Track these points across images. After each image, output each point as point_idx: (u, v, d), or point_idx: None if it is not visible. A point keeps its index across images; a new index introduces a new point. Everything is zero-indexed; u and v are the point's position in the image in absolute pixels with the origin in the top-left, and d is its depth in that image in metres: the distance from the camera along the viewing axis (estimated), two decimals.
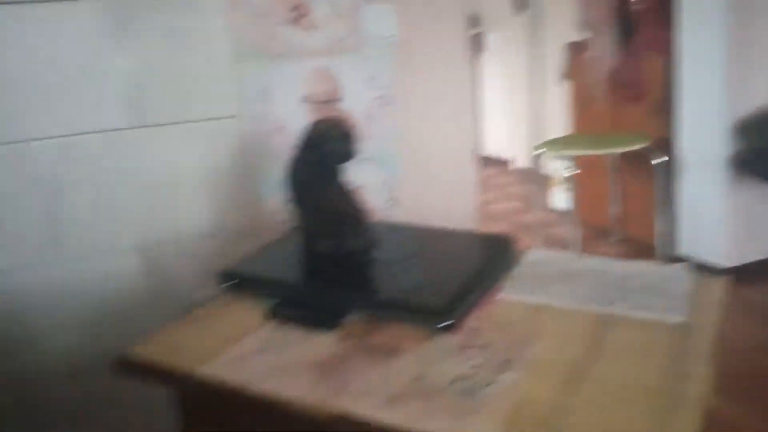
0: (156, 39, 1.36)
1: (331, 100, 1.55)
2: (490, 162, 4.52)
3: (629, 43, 2.74)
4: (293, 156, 1.12)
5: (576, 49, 3.18)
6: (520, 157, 4.31)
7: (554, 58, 3.66)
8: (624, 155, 2.77)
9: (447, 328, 0.85)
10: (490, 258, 1.02)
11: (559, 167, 3.32)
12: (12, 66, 1.28)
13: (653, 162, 2.41)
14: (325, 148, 1.08)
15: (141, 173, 1.40)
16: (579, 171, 2.55)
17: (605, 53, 2.82)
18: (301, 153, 1.11)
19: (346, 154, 1.08)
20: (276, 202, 1.55)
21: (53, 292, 1.38)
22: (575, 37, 3.22)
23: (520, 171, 4.29)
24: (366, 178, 1.50)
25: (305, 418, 0.75)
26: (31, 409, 1.41)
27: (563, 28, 3.50)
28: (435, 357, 0.82)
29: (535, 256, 1.09)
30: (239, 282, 1.04)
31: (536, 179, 2.97)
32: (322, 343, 0.89)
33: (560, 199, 3.41)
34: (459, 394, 0.73)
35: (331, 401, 0.75)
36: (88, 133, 1.35)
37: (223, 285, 1.05)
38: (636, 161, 2.77)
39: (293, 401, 0.75)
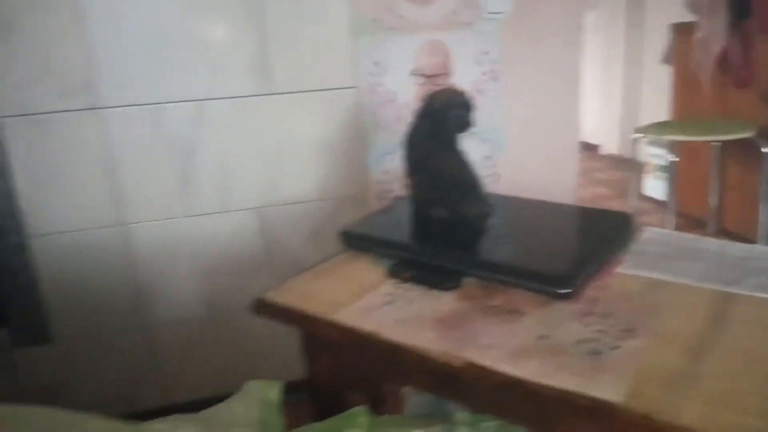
0: (282, 11, 1.44)
1: (440, 73, 1.59)
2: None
3: (742, 26, 2.60)
4: (412, 124, 1.17)
5: (681, 30, 3.04)
6: (610, 142, 4.19)
7: (655, 39, 3.52)
8: (725, 143, 2.65)
9: (567, 296, 0.88)
10: (608, 232, 1.04)
11: (655, 153, 3.21)
12: (152, 36, 1.39)
13: (763, 150, 2.30)
14: (446, 116, 1.12)
15: (263, 138, 1.50)
16: (678, 158, 2.47)
17: (714, 35, 2.69)
18: (421, 121, 1.15)
19: (466, 123, 1.12)
20: (381, 171, 1.61)
21: (177, 244, 1.51)
22: (680, 18, 3.08)
23: (610, 156, 4.18)
24: (470, 152, 1.53)
25: (430, 366, 0.81)
26: (153, 348, 1.56)
27: (667, 8, 3.35)
28: (556, 321, 0.85)
29: (651, 234, 1.10)
30: (358, 242, 1.11)
31: (627, 165, 2.90)
32: (442, 302, 0.94)
33: (653, 186, 3.30)
34: (585, 355, 0.77)
35: (458, 352, 0.80)
36: (218, 98, 1.45)
37: (343, 244, 1.13)
38: (738, 150, 2.64)
39: (425, 349, 0.81)
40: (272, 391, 0.88)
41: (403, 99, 1.57)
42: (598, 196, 3.60)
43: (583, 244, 1.00)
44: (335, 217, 1.60)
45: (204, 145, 1.47)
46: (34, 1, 1.31)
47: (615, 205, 3.36)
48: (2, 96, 1.33)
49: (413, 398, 1.10)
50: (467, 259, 0.97)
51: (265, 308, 0.97)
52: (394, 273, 1.02)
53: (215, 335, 1.57)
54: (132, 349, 1.52)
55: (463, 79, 1.61)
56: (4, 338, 1.44)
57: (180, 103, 1.43)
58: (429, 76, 1.59)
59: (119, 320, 1.50)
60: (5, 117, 1.34)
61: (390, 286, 1.00)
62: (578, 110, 1.77)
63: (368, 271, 1.06)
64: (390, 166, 1.61)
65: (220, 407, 0.84)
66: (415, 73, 1.58)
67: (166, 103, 1.42)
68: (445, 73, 1.60)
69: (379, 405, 1.05)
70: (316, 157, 1.55)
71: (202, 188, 1.49)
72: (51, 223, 1.41)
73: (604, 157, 4.27)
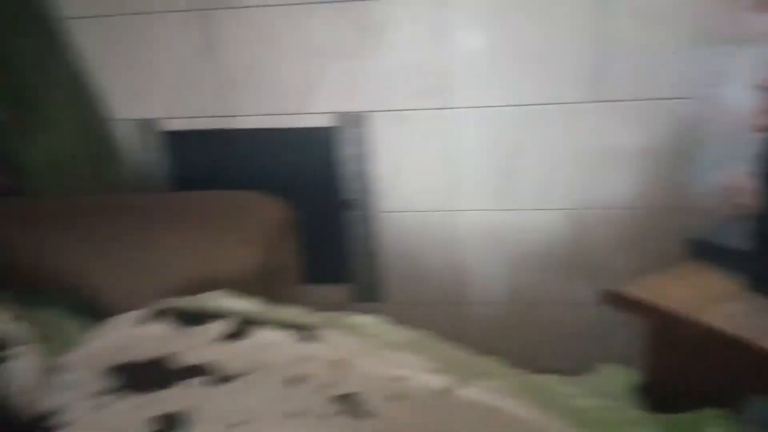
0: (623, 21, 1.49)
1: None
2: None
3: None
4: None
5: None
6: None
7: None
8: None
9: None
10: None
11: None
12: (496, 45, 1.53)
13: None
14: None
15: (586, 143, 1.57)
16: None
17: None
18: None
19: None
20: (703, 184, 1.57)
21: (495, 233, 1.67)
22: None
23: None
24: None
25: None
26: (462, 324, 1.74)
27: None
28: None
29: None
30: (709, 251, 1.11)
31: None
32: None
33: None
34: None
35: None
36: (548, 104, 1.56)
37: (690, 252, 1.14)
38: None
39: None
40: (629, 375, 0.94)
41: (741, 112, 1.51)
42: None
43: None
44: (646, 226, 1.60)
45: (529, 146, 1.59)
46: (402, 13, 1.55)
47: None
48: (373, 94, 1.61)
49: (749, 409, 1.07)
50: None
51: (618, 299, 1.04)
52: (758, 286, 1.01)
53: (515, 321, 1.70)
54: (444, 320, 1.72)
55: None
56: (348, 292, 1.75)
57: (514, 107, 1.57)
58: None
59: (438, 293, 1.71)
60: (374, 111, 1.62)
61: (751, 298, 0.99)
62: None
63: (721, 280, 1.06)
64: (713, 180, 1.55)
65: (581, 378, 0.93)
66: (758, 86, 1.50)
67: (502, 106, 1.57)
68: None
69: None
70: (634, 165, 1.57)
71: (523, 186, 1.62)
72: (397, 203, 1.67)
73: None
